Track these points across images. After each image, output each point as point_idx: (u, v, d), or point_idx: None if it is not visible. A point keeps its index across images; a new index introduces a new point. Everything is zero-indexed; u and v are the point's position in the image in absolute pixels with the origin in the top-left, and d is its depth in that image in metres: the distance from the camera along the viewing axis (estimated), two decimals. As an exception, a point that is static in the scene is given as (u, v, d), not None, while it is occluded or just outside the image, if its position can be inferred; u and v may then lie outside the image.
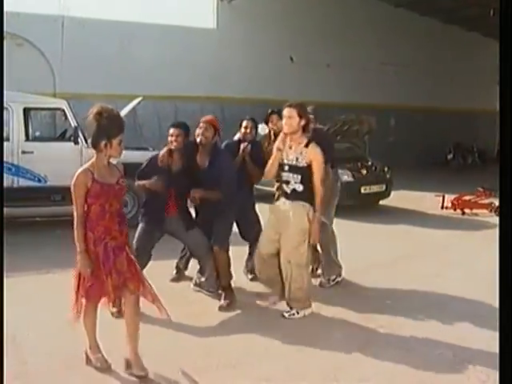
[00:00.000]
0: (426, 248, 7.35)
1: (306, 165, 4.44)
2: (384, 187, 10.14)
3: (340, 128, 10.33)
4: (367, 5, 17.17)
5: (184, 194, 4.81)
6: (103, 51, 13.37)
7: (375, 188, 9.99)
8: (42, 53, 13.11)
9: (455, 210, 9.92)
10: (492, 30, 13.42)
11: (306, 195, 4.45)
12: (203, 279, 5.03)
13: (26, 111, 7.93)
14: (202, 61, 14.59)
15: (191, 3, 14.86)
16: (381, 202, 10.42)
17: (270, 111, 5.41)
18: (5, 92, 6.46)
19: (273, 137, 5.28)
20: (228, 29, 15.28)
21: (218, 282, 4.96)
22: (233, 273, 4.98)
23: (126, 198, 7.16)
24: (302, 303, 4.60)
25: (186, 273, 5.55)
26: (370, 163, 10.42)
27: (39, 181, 7.73)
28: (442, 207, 10.02)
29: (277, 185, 4.80)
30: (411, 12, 18.24)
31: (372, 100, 16.75)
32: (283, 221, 4.51)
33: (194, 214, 5.07)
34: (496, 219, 8.34)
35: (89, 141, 7.72)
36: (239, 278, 5.35)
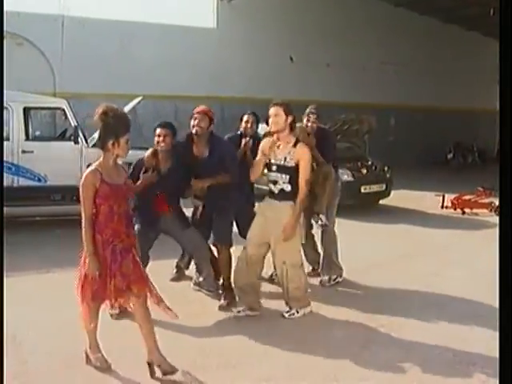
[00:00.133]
0: (426, 247, 7.35)
1: (294, 165, 4.37)
2: (384, 187, 10.13)
3: (340, 127, 10.33)
4: (367, 4, 17.15)
5: (176, 194, 4.75)
6: (103, 51, 13.36)
7: (375, 187, 9.98)
8: (42, 52, 13.10)
9: (455, 209, 9.92)
10: (492, 30, 13.43)
11: (294, 195, 4.37)
12: (201, 278, 5.03)
13: (26, 111, 7.93)
14: (202, 60, 14.58)
15: (191, 3, 14.85)
16: (381, 202, 10.41)
17: None
18: (5, 91, 6.46)
19: None
20: (228, 28, 15.27)
21: (217, 282, 4.95)
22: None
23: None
24: (301, 302, 4.59)
25: (187, 272, 5.54)
26: (369, 163, 10.41)
27: (39, 180, 7.72)
28: (442, 207, 10.02)
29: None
30: (411, 11, 18.22)
31: (372, 99, 16.74)
32: (273, 222, 4.41)
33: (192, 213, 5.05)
34: (496, 219, 8.33)
35: (89, 140, 7.85)
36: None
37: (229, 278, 4.86)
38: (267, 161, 4.48)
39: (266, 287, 5.17)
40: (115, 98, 10.12)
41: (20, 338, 4.00)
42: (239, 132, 5.38)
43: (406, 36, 17.77)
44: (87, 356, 3.62)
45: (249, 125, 5.26)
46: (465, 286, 5.54)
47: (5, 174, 7.24)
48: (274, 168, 4.44)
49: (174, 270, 5.52)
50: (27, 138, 7.85)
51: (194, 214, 5.19)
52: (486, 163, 17.82)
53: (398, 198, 10.54)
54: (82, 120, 8.10)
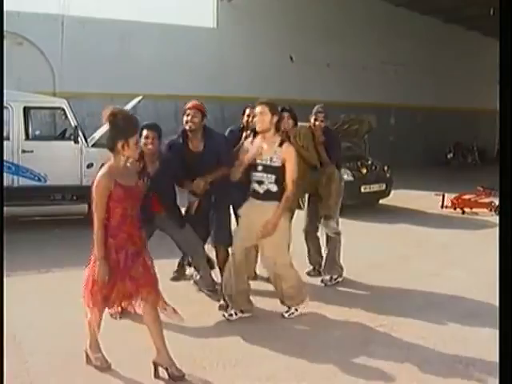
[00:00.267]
0: (425, 247, 7.34)
1: (280, 165, 4.30)
2: (384, 186, 10.14)
3: (340, 127, 10.33)
4: (367, 4, 17.16)
5: (168, 193, 4.73)
6: (103, 50, 13.36)
7: (375, 187, 9.98)
8: (41, 52, 13.08)
9: (455, 209, 9.92)
10: (492, 29, 13.40)
11: (280, 195, 4.31)
12: (198, 277, 5.02)
13: (26, 110, 7.94)
14: (202, 60, 14.57)
15: (191, 3, 14.84)
16: (381, 201, 10.41)
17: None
18: (5, 91, 6.46)
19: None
20: (228, 28, 15.27)
21: (214, 281, 4.95)
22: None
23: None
24: (296, 299, 4.58)
25: (187, 272, 5.53)
26: (370, 162, 10.41)
27: (39, 180, 7.73)
28: (442, 206, 10.02)
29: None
30: (411, 11, 18.23)
31: (372, 99, 16.75)
32: (259, 223, 4.28)
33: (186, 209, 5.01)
34: (496, 218, 8.34)
35: (89, 140, 7.85)
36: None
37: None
38: (252, 161, 4.37)
39: (266, 287, 5.16)
40: (115, 97, 10.15)
41: (20, 337, 4.00)
42: (241, 125, 5.38)
43: (406, 36, 17.77)
44: (87, 355, 3.61)
45: (250, 118, 5.19)
46: (465, 285, 5.54)
47: (5, 174, 7.25)
48: (260, 168, 4.35)
49: (175, 269, 5.50)
50: (27, 138, 7.86)
51: (188, 209, 5.08)
52: (486, 163, 17.83)
53: (398, 197, 10.54)
54: (82, 120, 8.10)
